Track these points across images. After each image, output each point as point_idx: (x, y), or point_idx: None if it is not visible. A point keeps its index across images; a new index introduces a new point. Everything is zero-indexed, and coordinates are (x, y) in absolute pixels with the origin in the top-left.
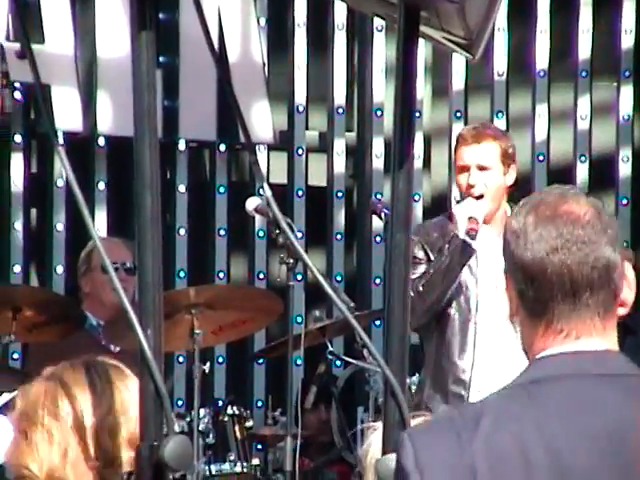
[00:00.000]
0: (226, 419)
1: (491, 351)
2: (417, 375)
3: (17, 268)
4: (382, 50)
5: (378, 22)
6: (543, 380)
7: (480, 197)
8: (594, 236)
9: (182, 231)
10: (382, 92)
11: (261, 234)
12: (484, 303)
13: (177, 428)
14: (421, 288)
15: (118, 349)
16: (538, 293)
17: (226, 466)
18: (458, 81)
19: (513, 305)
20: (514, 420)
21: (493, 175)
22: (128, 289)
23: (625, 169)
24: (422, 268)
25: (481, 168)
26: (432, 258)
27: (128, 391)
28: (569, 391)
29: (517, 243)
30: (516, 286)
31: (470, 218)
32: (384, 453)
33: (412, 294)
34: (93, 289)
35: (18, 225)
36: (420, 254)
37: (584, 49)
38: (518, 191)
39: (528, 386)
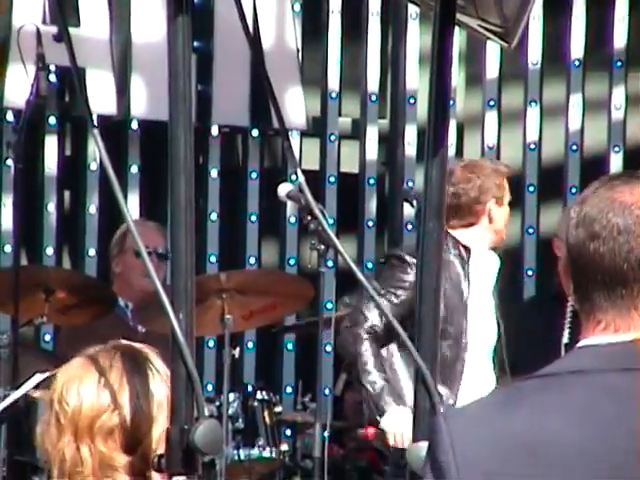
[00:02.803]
0: (255, 404)
1: (479, 377)
2: None
3: (50, 250)
4: (416, 38)
5: (413, 9)
6: (577, 372)
7: None
8: (635, 227)
9: (214, 216)
10: (415, 80)
11: (292, 220)
12: (475, 328)
13: (207, 412)
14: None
15: (145, 330)
16: (577, 279)
17: (255, 451)
18: (492, 69)
19: (569, 287)
20: (549, 409)
21: None
22: (158, 275)
23: None
24: (403, 294)
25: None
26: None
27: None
28: (602, 385)
29: (567, 225)
30: (567, 268)
31: None
32: (415, 441)
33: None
34: (124, 271)
35: (51, 207)
36: (411, 278)
37: (619, 39)
38: (550, 181)
39: (564, 376)
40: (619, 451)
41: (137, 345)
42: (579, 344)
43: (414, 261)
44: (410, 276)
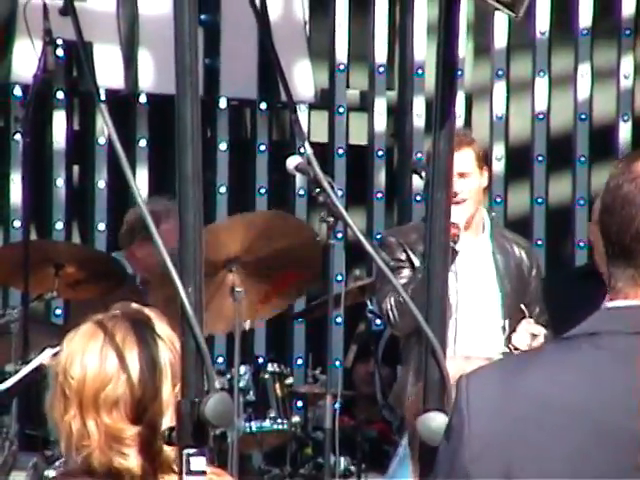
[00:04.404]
0: (266, 376)
1: (472, 348)
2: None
3: (59, 225)
4: (424, 8)
5: None
6: (592, 334)
7: (462, 201)
8: (639, 198)
9: (223, 189)
10: (423, 51)
11: (301, 193)
12: (464, 302)
13: (218, 385)
14: (411, 294)
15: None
16: (604, 247)
17: (266, 423)
18: (500, 40)
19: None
20: (564, 371)
21: (472, 180)
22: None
23: None
24: (407, 272)
25: (461, 175)
26: (413, 259)
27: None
28: (613, 347)
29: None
30: None
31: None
32: (425, 412)
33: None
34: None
35: (60, 182)
36: (402, 256)
37: (628, 7)
38: (559, 151)
39: (580, 338)
40: (625, 413)
41: (142, 309)
42: (603, 306)
43: (393, 239)
44: (397, 254)
